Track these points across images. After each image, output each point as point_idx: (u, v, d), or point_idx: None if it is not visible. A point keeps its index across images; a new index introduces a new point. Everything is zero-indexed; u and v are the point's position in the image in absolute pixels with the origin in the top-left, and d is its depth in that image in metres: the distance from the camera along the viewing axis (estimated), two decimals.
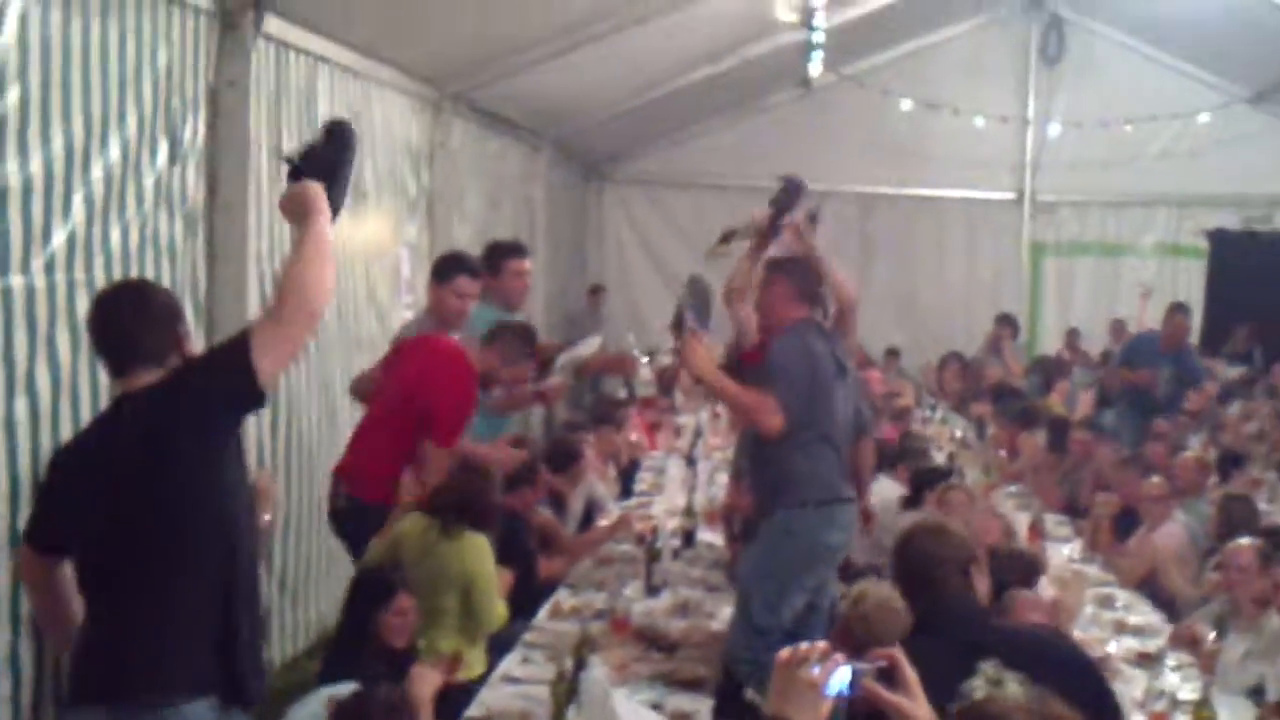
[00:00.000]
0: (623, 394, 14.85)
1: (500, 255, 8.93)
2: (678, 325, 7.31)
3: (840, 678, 3.59)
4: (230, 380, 4.24)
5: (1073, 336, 17.94)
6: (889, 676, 3.67)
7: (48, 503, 4.61)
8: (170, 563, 4.23)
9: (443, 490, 7.04)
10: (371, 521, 7.35)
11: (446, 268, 8.47)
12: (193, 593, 4.25)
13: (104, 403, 6.46)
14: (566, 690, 5.80)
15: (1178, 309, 13.94)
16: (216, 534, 4.31)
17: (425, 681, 6.02)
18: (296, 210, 4.50)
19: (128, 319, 4.49)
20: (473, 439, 7.83)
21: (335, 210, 4.61)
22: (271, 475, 6.68)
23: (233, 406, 4.35)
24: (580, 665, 5.98)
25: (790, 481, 6.74)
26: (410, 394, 7.49)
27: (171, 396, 4.30)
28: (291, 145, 4.84)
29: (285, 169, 4.69)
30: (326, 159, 4.64)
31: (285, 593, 8.68)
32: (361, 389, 8.36)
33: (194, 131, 7.58)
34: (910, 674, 3.70)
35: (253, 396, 4.29)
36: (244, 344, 4.23)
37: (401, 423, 7.46)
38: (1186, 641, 7.40)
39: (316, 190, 4.48)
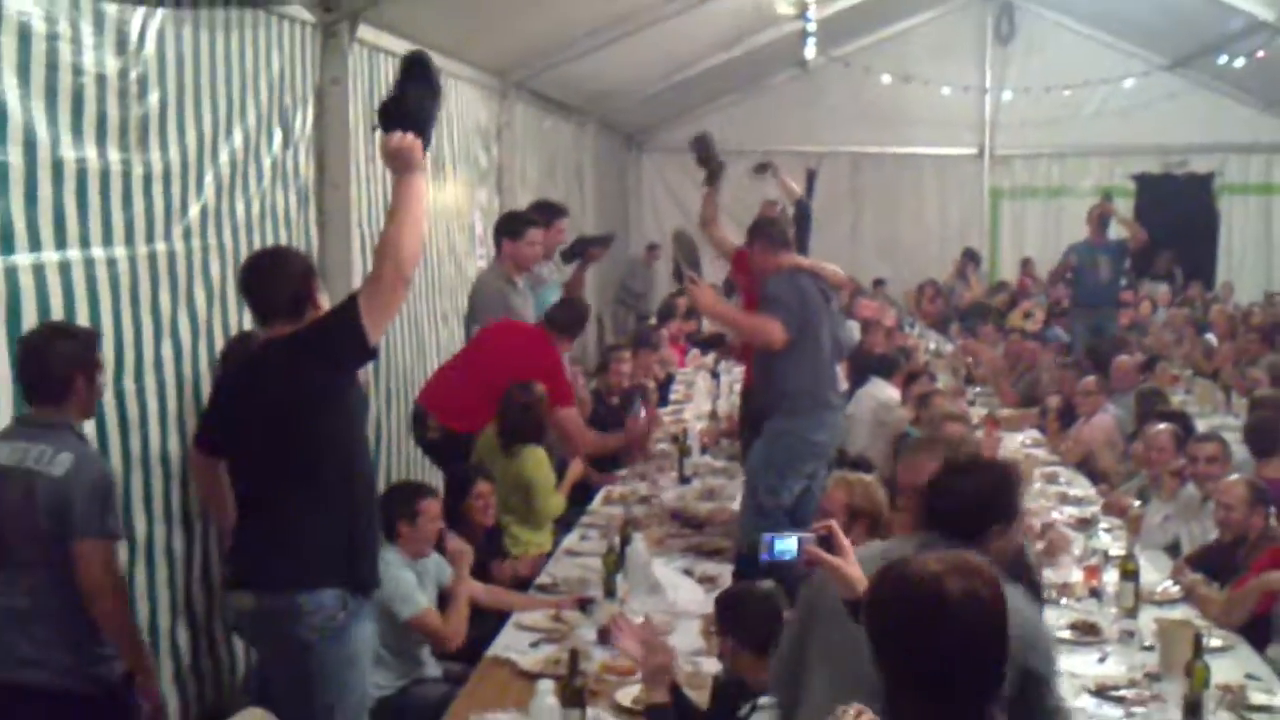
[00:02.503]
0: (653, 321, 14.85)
1: (550, 212, 8.90)
2: (678, 275, 7.34)
3: (788, 544, 3.62)
4: (346, 341, 4.20)
5: (1028, 265, 17.89)
6: (828, 544, 3.63)
7: (211, 417, 4.65)
8: (304, 477, 4.25)
9: (502, 416, 7.08)
10: (465, 449, 7.36)
11: (518, 224, 8.50)
12: (323, 502, 4.25)
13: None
14: (615, 560, 5.85)
15: (1100, 214, 13.85)
16: (341, 456, 4.31)
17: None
18: (396, 164, 4.33)
19: (270, 279, 4.46)
20: None
21: (427, 141, 4.38)
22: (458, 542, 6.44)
23: (349, 361, 4.33)
24: (626, 540, 6.03)
25: (786, 392, 6.73)
26: (505, 367, 7.44)
27: (303, 349, 4.27)
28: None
29: (378, 124, 4.40)
30: (412, 102, 4.37)
31: None
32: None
33: (303, 122, 7.58)
34: (845, 541, 3.65)
35: (365, 353, 4.27)
36: (354, 309, 4.17)
37: (494, 379, 7.38)
38: (1116, 509, 7.41)
39: (411, 143, 4.28)
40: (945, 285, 17.46)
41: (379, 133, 4.35)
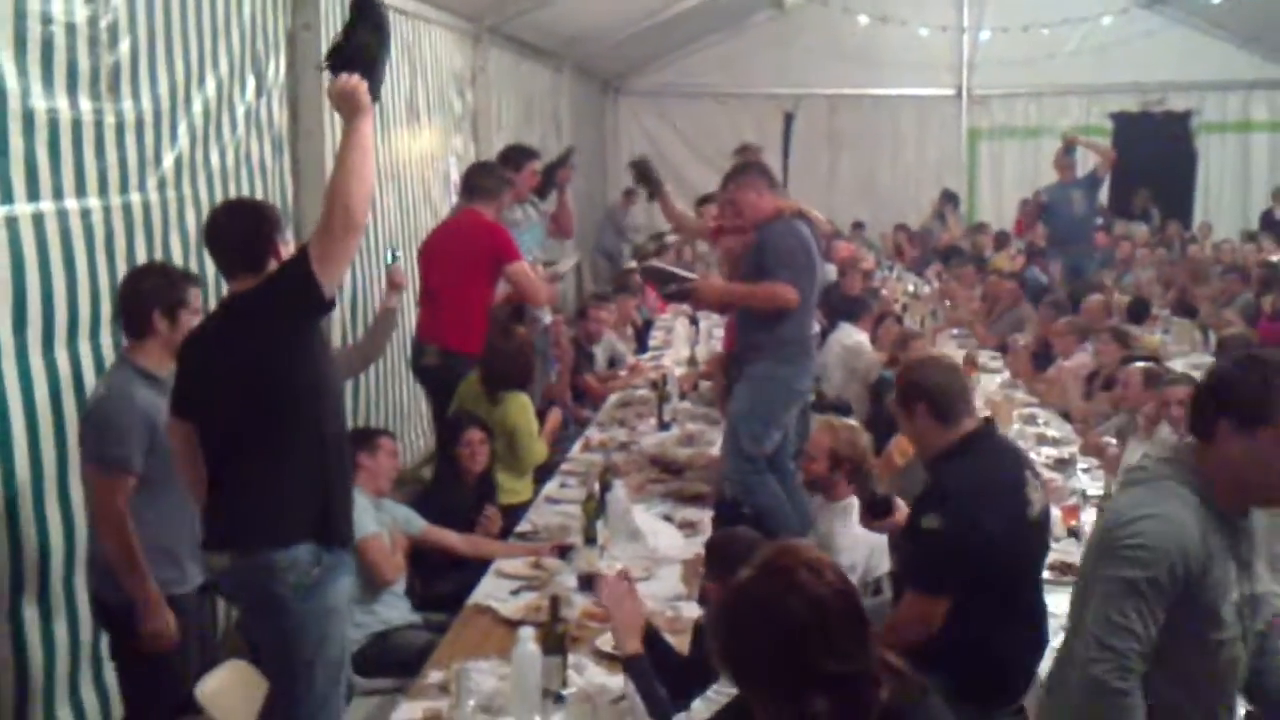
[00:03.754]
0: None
1: (519, 156, 8.84)
2: (665, 287, 7.31)
3: None
4: (299, 294, 4.10)
5: (1026, 206, 17.73)
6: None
7: (180, 380, 4.52)
8: (270, 434, 4.19)
9: (486, 362, 7.08)
10: (454, 366, 7.45)
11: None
12: (292, 457, 4.19)
13: (211, 296, 6.53)
14: (595, 507, 5.86)
15: (1067, 150, 13.88)
16: (308, 411, 4.22)
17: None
18: (342, 107, 4.21)
19: (225, 233, 4.36)
20: None
21: (377, 88, 4.26)
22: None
23: (306, 313, 4.19)
24: (606, 487, 6.04)
25: (777, 339, 6.70)
26: (455, 260, 7.58)
27: (259, 305, 4.19)
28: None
29: (324, 66, 4.31)
30: (360, 45, 4.26)
31: None
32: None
33: (276, 69, 7.54)
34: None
35: (320, 304, 4.14)
36: (305, 260, 4.07)
37: (450, 278, 7.55)
38: (1094, 450, 7.45)
39: (357, 85, 4.16)
40: (923, 226, 17.50)
41: (325, 75, 4.27)
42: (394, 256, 7.14)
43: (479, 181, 7.88)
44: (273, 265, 4.26)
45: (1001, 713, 4.45)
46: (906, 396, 4.65)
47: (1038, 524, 4.51)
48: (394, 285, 6.78)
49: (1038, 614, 4.55)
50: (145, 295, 4.80)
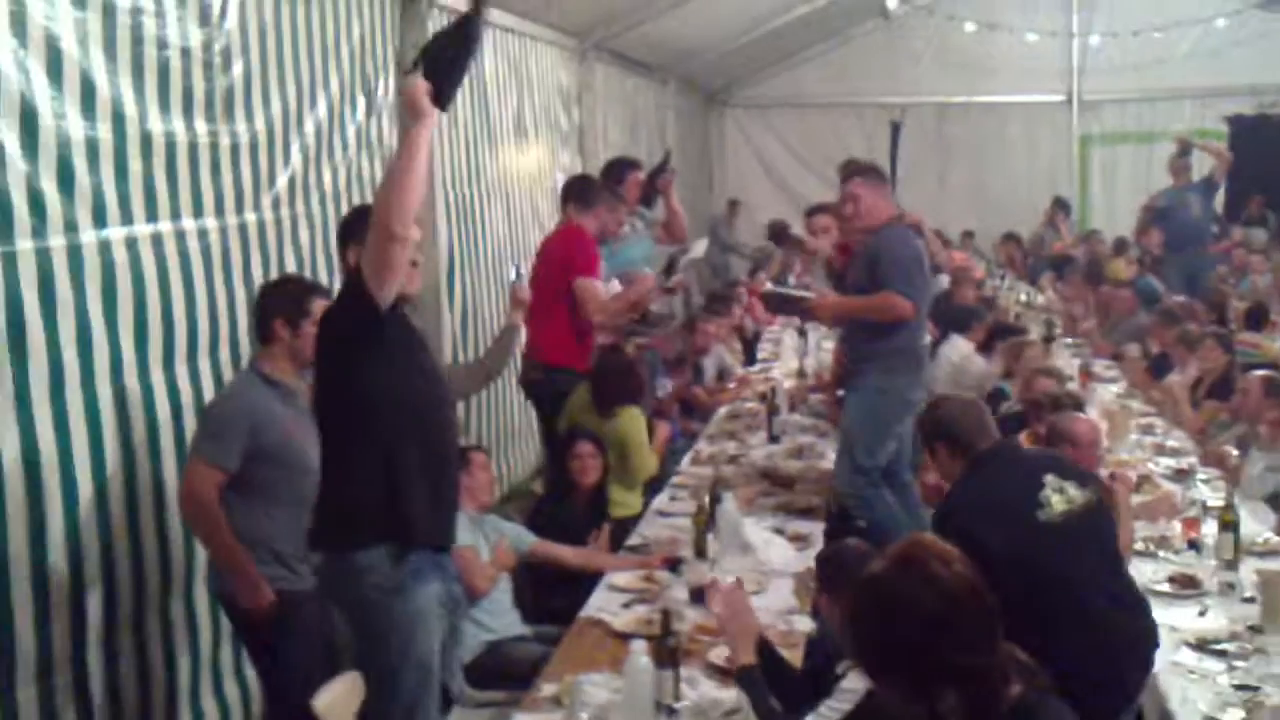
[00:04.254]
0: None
1: (621, 168, 8.85)
2: (777, 306, 7.30)
3: None
4: (352, 303, 4.14)
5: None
6: None
7: None
8: (339, 438, 4.25)
9: (597, 378, 7.10)
10: (558, 382, 7.48)
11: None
12: (359, 462, 4.22)
13: None
14: (705, 520, 5.85)
15: (1182, 153, 13.61)
16: (377, 417, 4.19)
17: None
18: (406, 108, 4.14)
19: (349, 233, 4.49)
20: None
21: (446, 101, 4.16)
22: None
23: (360, 322, 4.14)
24: (716, 500, 6.02)
25: (888, 349, 6.65)
26: (548, 273, 7.58)
27: (328, 313, 4.34)
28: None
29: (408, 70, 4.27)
30: (446, 53, 4.18)
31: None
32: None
33: (385, 89, 7.63)
34: None
35: (373, 313, 4.09)
36: (359, 278, 4.09)
37: (546, 290, 7.44)
38: (1215, 460, 7.30)
39: (421, 90, 4.05)
40: (1035, 234, 17.26)
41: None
42: (517, 274, 7.14)
43: (575, 191, 7.91)
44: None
45: None
46: (927, 436, 4.68)
47: (1056, 525, 4.31)
48: (516, 303, 6.65)
49: (1098, 620, 4.27)
50: (270, 304, 5.03)
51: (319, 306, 4.90)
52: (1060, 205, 17.74)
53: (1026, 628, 3.96)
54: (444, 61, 4.16)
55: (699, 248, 9.74)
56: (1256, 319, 11.07)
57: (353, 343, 4.18)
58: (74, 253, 4.74)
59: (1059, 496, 4.35)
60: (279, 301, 5.01)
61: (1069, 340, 11.56)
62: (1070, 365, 9.39)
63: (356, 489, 4.21)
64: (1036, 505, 4.32)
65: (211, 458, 4.79)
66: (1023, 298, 13.58)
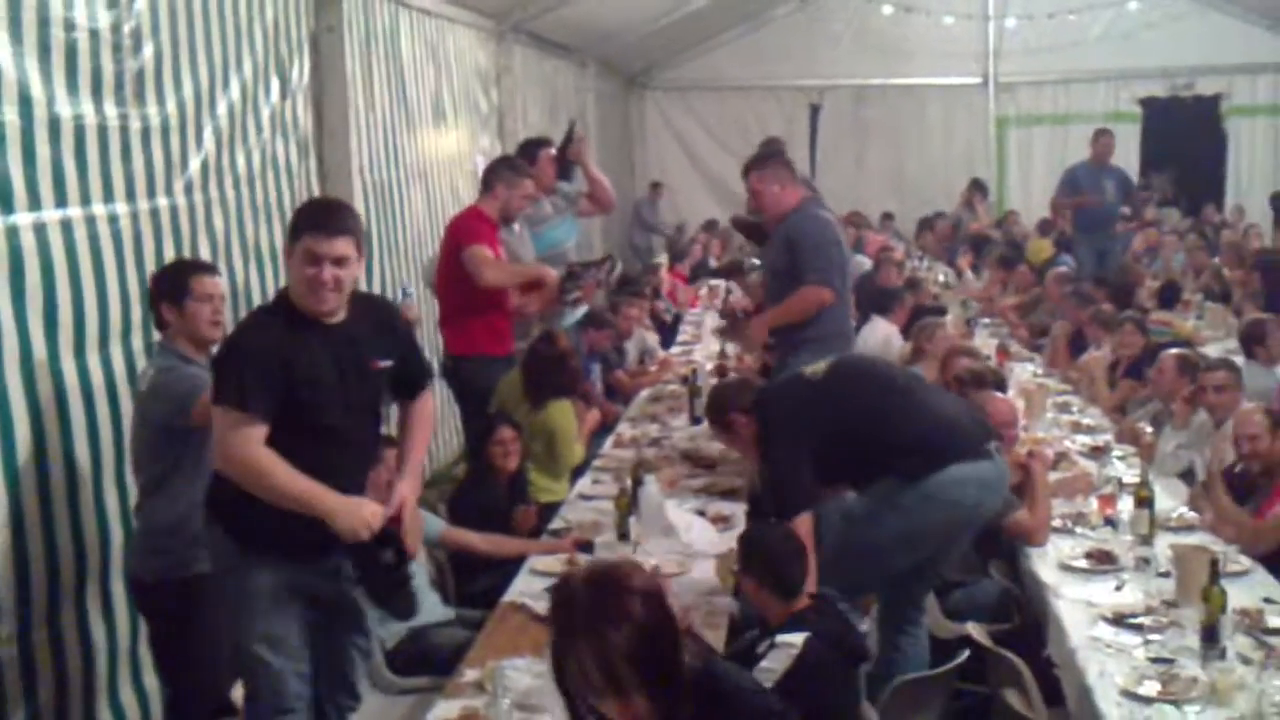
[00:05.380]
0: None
1: (532, 148, 8.76)
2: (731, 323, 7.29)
3: None
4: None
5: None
6: None
7: None
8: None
9: (529, 369, 7.07)
10: (469, 371, 7.49)
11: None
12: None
13: (240, 297, 6.55)
14: (628, 503, 5.85)
15: (1101, 133, 13.72)
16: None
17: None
18: None
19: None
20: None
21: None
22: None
23: None
24: (638, 483, 6.02)
25: (815, 334, 6.68)
26: (450, 255, 7.48)
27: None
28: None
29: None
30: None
31: None
32: (429, 277, 8.34)
33: (300, 71, 7.55)
34: None
35: None
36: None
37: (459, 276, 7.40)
38: (1130, 437, 7.39)
39: None
40: (952, 216, 17.40)
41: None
42: (405, 293, 7.11)
43: (485, 177, 7.86)
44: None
45: None
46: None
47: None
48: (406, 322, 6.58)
49: None
50: (154, 290, 5.03)
51: (201, 284, 4.92)
52: (978, 187, 17.93)
53: None
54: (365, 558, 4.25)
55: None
56: (1169, 297, 11.23)
57: None
58: None
59: None
60: (161, 286, 5.01)
61: (986, 320, 11.67)
62: (988, 345, 9.47)
63: (229, 486, 4.15)
64: None
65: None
66: (941, 279, 13.68)
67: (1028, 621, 5.49)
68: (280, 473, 4.02)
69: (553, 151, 8.67)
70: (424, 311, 8.83)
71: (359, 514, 4.13)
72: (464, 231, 7.42)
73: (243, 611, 4.17)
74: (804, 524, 4.84)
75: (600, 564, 3.35)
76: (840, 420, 5.04)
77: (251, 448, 3.99)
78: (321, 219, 4.20)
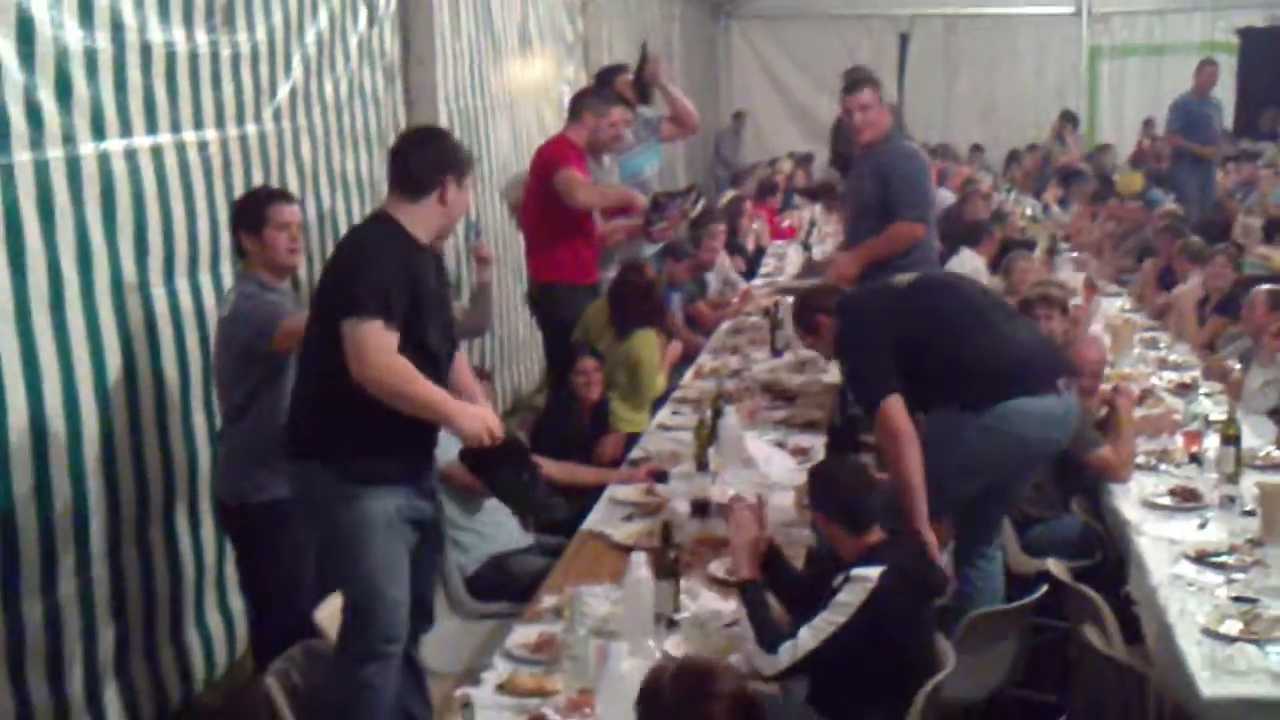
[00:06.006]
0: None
1: (607, 75, 8.74)
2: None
3: None
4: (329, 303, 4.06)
5: (1149, 126, 17.22)
6: None
7: None
8: (330, 374, 4.06)
9: (616, 298, 7.08)
10: (555, 299, 7.56)
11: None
12: (343, 403, 4.08)
13: (326, 224, 6.60)
14: (707, 434, 5.85)
15: (1206, 63, 13.47)
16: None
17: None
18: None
19: (407, 150, 4.25)
20: None
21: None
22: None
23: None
24: (718, 413, 6.02)
25: (905, 265, 6.57)
26: (539, 183, 7.53)
27: (332, 260, 4.21)
28: None
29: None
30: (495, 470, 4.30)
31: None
32: (510, 198, 8.34)
33: (387, 1, 7.55)
34: None
35: None
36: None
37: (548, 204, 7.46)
38: (1216, 373, 7.27)
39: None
40: (1042, 148, 17.12)
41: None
42: (476, 232, 7.08)
43: (572, 106, 7.87)
44: (433, 200, 4.19)
45: None
46: None
47: None
48: (481, 260, 6.57)
49: None
50: (234, 220, 5.05)
51: (279, 212, 4.92)
52: (1068, 118, 17.56)
53: None
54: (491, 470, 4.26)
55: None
56: (1270, 233, 10.98)
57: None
58: (72, 165, 4.70)
59: None
60: (240, 215, 5.02)
61: (1074, 254, 11.50)
62: (1075, 279, 9.33)
63: (326, 418, 4.11)
64: None
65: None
66: (1028, 212, 13.51)
67: (1109, 558, 5.46)
68: (420, 379, 4.00)
69: (629, 77, 8.62)
70: (498, 233, 8.89)
71: (484, 419, 4.13)
72: (554, 157, 7.46)
73: (355, 542, 4.10)
74: (893, 405, 4.86)
75: (692, 662, 3.29)
76: (914, 329, 5.02)
77: (395, 356, 3.96)
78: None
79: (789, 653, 3.88)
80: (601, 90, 8.19)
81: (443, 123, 7.98)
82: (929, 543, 4.76)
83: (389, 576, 4.14)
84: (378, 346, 3.93)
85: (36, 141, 4.51)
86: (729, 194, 14.20)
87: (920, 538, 4.73)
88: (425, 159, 4.20)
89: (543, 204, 7.46)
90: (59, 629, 4.68)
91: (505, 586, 5.20)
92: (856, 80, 7.07)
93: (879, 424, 4.90)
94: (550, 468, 5.82)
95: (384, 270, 4.02)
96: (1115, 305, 9.35)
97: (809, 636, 3.88)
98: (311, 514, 4.22)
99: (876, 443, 5.25)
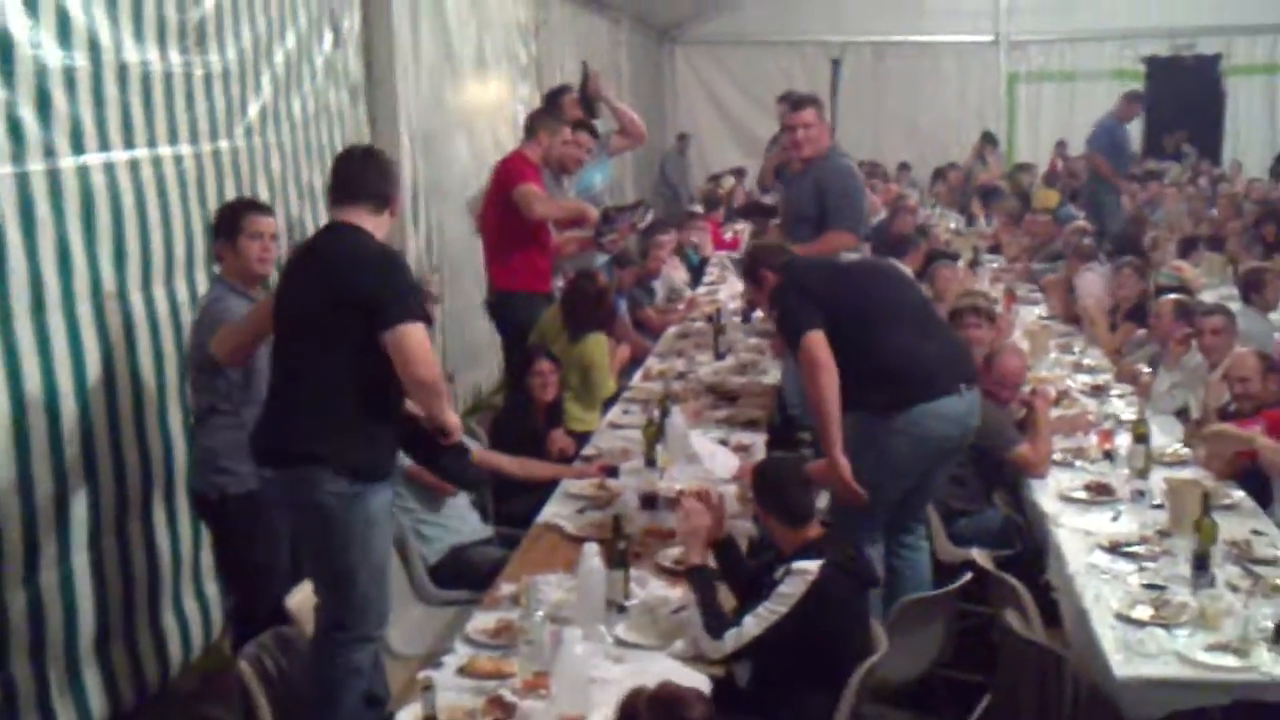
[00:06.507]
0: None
1: (554, 95, 8.77)
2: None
3: None
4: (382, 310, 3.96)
5: (1061, 147, 17.33)
6: None
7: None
8: (326, 376, 4.07)
9: (569, 304, 7.08)
10: (512, 305, 7.55)
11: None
12: (338, 404, 4.11)
13: (295, 232, 6.54)
14: (655, 432, 5.84)
15: (1135, 96, 13.64)
16: (374, 376, 4.03)
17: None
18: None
19: (363, 166, 4.23)
20: None
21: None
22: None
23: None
24: (665, 413, 6.02)
25: None
26: (496, 194, 7.51)
27: (360, 268, 4.04)
28: None
29: None
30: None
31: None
32: (474, 210, 8.30)
33: (351, 23, 7.51)
34: None
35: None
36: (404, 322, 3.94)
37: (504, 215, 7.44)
38: (1128, 377, 7.35)
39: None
40: (964, 167, 17.24)
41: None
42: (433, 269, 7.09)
43: (528, 125, 7.85)
44: (385, 214, 4.20)
45: None
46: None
47: None
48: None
49: None
50: (214, 228, 5.09)
51: (254, 222, 4.91)
52: (988, 139, 17.78)
53: None
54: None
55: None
56: (1185, 249, 11.09)
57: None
58: (53, 177, 4.64)
59: None
60: (218, 224, 5.04)
61: (994, 264, 11.58)
62: (995, 289, 9.41)
63: (335, 422, 4.05)
64: None
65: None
66: (952, 225, 13.60)
67: (1028, 548, 5.49)
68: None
69: (574, 95, 8.63)
70: (460, 243, 8.87)
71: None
72: (512, 173, 7.44)
73: (367, 536, 4.05)
74: (814, 338, 4.93)
75: (667, 689, 3.26)
76: (840, 307, 5.06)
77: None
78: None
79: (734, 639, 3.90)
80: (553, 109, 8.18)
81: (404, 140, 7.96)
82: (841, 465, 4.90)
83: (384, 566, 4.18)
84: (427, 347, 3.99)
85: (17, 155, 4.44)
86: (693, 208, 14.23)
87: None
88: (387, 176, 4.25)
89: (501, 216, 7.44)
90: (41, 615, 4.62)
91: (465, 575, 5.18)
92: (800, 100, 7.15)
93: (800, 355, 4.98)
94: (505, 462, 5.83)
95: (411, 276, 4.11)
96: (1034, 313, 9.43)
97: (753, 624, 3.89)
98: (309, 514, 4.07)
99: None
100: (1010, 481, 5.89)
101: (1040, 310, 9.62)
